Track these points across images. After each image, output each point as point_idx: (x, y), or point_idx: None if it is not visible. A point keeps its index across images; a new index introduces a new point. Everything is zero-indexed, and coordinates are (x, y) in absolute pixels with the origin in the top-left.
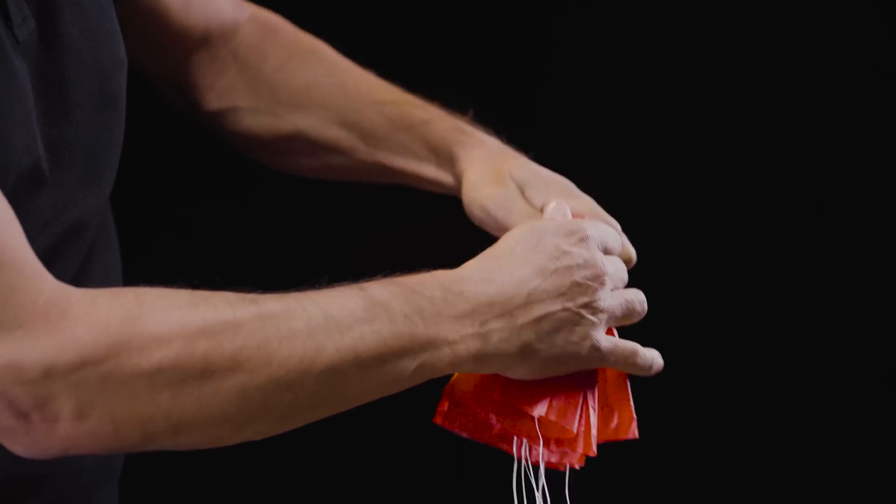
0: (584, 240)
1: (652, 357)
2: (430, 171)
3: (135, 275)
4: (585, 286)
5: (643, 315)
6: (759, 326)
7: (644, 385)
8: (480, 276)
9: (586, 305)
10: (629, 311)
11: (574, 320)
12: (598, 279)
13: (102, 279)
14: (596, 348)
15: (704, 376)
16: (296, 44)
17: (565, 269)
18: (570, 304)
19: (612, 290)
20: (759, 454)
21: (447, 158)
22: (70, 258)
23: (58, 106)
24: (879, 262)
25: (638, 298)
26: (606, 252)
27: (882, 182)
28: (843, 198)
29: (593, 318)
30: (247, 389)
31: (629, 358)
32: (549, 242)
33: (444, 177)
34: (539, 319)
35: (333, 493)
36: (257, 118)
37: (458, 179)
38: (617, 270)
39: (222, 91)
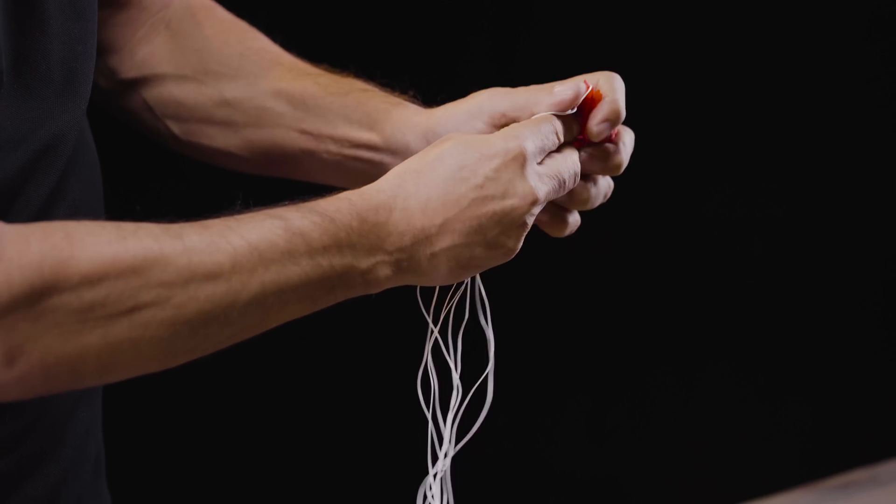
0: (514, 161)
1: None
2: (363, 134)
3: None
4: (503, 216)
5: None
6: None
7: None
8: (397, 201)
9: (502, 233)
10: (560, 190)
11: (489, 244)
12: (519, 210)
13: (81, 197)
14: (515, 251)
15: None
16: (233, 21)
17: (483, 201)
18: (483, 237)
19: (540, 203)
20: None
21: (383, 120)
22: (46, 175)
23: (30, 18)
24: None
25: (569, 172)
26: (550, 152)
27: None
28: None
29: (509, 242)
30: (175, 325)
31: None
32: (474, 167)
33: (375, 138)
34: (450, 249)
35: (332, 491)
36: (182, 86)
37: (395, 141)
38: (552, 177)
39: (145, 57)
